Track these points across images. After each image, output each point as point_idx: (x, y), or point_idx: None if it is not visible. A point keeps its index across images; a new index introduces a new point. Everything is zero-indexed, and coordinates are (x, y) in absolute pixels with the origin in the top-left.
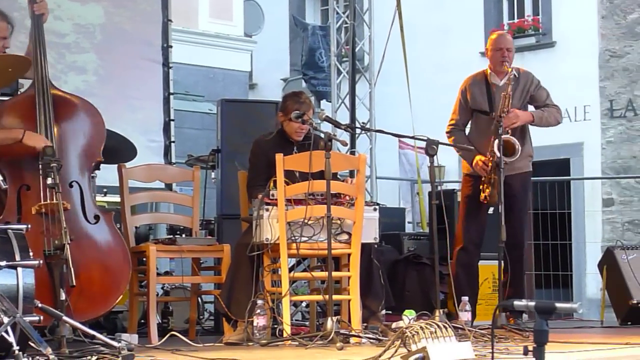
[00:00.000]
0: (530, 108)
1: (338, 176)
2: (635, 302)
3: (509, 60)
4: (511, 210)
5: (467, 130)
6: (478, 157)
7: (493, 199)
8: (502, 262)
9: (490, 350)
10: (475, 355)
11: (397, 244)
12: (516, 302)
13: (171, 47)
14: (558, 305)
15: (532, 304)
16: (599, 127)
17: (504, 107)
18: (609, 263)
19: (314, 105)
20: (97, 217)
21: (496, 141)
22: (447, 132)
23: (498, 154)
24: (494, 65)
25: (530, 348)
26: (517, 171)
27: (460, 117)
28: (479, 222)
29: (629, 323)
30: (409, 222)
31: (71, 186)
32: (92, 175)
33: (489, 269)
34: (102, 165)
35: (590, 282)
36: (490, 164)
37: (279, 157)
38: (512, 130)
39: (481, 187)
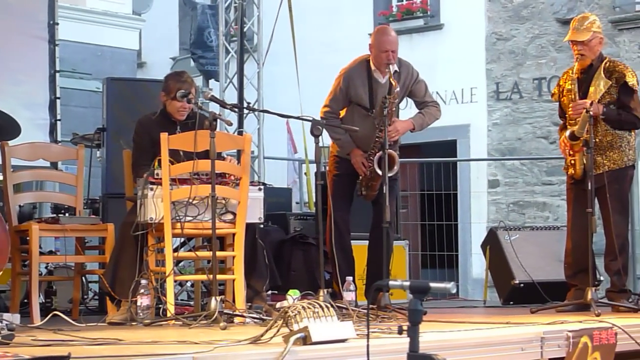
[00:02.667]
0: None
1: (223, 155)
2: (517, 282)
3: (393, 62)
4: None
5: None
6: (360, 156)
7: (369, 198)
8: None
9: (372, 330)
10: (357, 334)
11: (283, 224)
12: (391, 282)
13: (57, 24)
14: (432, 285)
15: (407, 283)
16: (485, 109)
17: (389, 119)
18: (491, 244)
19: (203, 84)
20: None
21: (377, 156)
22: (321, 118)
23: (379, 171)
24: (377, 65)
25: (405, 327)
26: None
27: (337, 104)
28: (348, 200)
29: (511, 303)
30: (296, 202)
31: None
32: None
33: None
34: None
35: (475, 262)
36: (369, 171)
37: (163, 136)
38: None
39: (357, 181)
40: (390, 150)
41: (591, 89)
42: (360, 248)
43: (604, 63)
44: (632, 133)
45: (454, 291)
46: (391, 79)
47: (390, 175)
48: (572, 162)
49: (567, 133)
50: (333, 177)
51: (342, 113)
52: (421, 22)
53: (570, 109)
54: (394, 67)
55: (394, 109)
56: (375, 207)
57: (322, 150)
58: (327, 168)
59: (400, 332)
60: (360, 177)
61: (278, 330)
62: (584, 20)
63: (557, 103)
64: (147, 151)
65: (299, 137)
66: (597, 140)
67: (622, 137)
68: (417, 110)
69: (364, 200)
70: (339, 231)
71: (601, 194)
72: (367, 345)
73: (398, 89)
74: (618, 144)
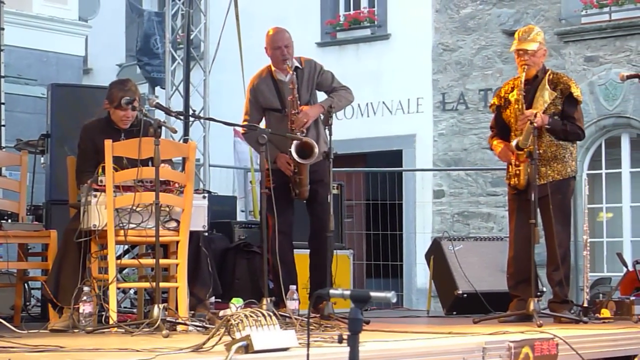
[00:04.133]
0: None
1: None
2: (460, 292)
3: (289, 57)
4: (314, 200)
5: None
6: (283, 157)
7: (302, 196)
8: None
9: (315, 339)
10: (300, 343)
11: (228, 232)
12: (332, 291)
13: (3, 29)
14: (373, 294)
15: (347, 292)
16: (431, 119)
17: (292, 109)
18: (435, 254)
19: (148, 91)
20: None
21: (293, 145)
22: (243, 133)
23: (296, 157)
24: (275, 64)
25: (345, 336)
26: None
27: (253, 116)
28: (287, 211)
29: (454, 313)
30: (241, 211)
31: None
32: None
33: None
34: None
35: (420, 272)
36: (292, 166)
37: (107, 143)
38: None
39: (290, 184)
40: (306, 138)
41: (537, 99)
42: (302, 257)
43: (547, 74)
44: (575, 144)
45: (394, 300)
46: (289, 69)
47: (311, 162)
48: (517, 172)
49: (513, 143)
50: (268, 190)
51: (263, 123)
52: (368, 31)
53: (518, 120)
54: (291, 62)
55: (296, 95)
56: (312, 216)
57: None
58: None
59: (340, 341)
60: (290, 179)
61: (220, 339)
62: (530, 31)
63: (494, 114)
64: (90, 158)
65: (245, 146)
66: (541, 151)
67: (565, 148)
68: None
69: (299, 199)
70: (280, 244)
71: (544, 204)
72: (307, 355)
73: (294, 75)
74: (562, 155)
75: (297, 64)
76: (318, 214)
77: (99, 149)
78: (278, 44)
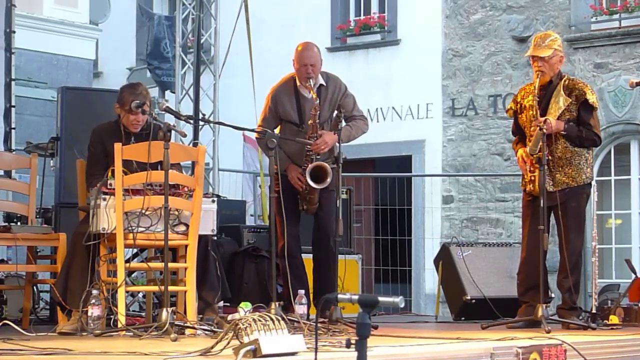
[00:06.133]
0: None
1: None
2: (468, 297)
3: (313, 76)
4: (320, 207)
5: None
6: (295, 171)
7: (310, 212)
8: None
9: (323, 343)
10: (307, 347)
11: (236, 237)
12: (340, 295)
13: (14, 32)
14: (381, 299)
15: (355, 297)
16: (441, 125)
17: (312, 131)
18: (444, 259)
19: (158, 95)
20: None
21: (309, 168)
22: (257, 139)
23: (312, 184)
24: (299, 79)
25: (353, 341)
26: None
27: (269, 124)
28: (294, 214)
29: (463, 318)
30: (250, 215)
31: None
32: None
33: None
34: None
35: (428, 278)
36: (305, 185)
37: (117, 146)
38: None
39: (298, 197)
40: (321, 162)
41: (551, 105)
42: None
43: (563, 80)
44: (590, 151)
45: (402, 305)
46: (311, 92)
47: (323, 187)
48: (532, 178)
49: (529, 149)
50: (276, 194)
51: (277, 132)
52: (378, 37)
53: (532, 126)
54: (313, 81)
55: (317, 120)
56: (315, 222)
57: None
58: (272, 186)
59: (348, 345)
60: (299, 192)
61: (228, 343)
62: (546, 37)
63: (512, 119)
64: (100, 161)
65: (254, 152)
66: (557, 157)
67: (580, 155)
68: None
69: (306, 213)
70: (290, 250)
71: (558, 211)
72: (315, 359)
73: (317, 101)
74: (577, 161)
75: (322, 80)
76: (320, 222)
77: (108, 152)
78: (304, 61)
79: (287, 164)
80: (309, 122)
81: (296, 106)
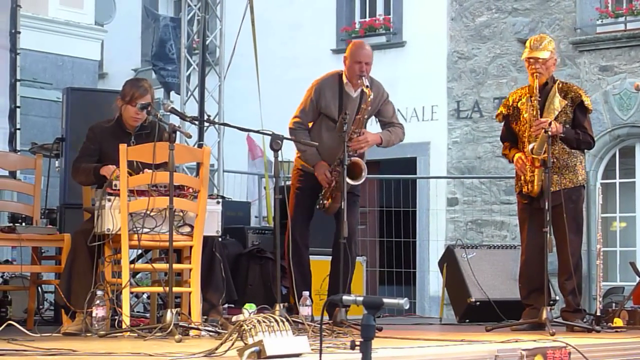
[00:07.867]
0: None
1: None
2: (473, 300)
3: (366, 75)
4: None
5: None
6: (324, 168)
7: (331, 211)
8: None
9: (327, 345)
10: (312, 349)
11: (241, 238)
12: (345, 297)
13: (19, 33)
14: (385, 301)
15: (360, 299)
16: (446, 127)
17: (356, 126)
18: (449, 261)
19: (163, 96)
20: None
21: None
22: (290, 128)
23: (350, 181)
24: (350, 76)
25: (358, 343)
26: None
27: (307, 116)
28: (308, 214)
29: (467, 320)
30: (255, 217)
31: None
32: None
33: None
34: None
35: (432, 280)
36: (335, 181)
37: (122, 147)
38: None
39: (320, 194)
40: (358, 158)
41: (548, 107)
42: (318, 263)
43: (557, 83)
44: (584, 153)
45: (407, 307)
46: (364, 88)
47: (356, 184)
48: (531, 178)
49: (530, 147)
50: (295, 190)
51: (311, 124)
52: (383, 39)
53: (533, 125)
54: (366, 81)
55: (366, 116)
56: (337, 222)
57: (282, 165)
58: (290, 181)
59: (352, 347)
60: (324, 189)
61: (233, 344)
62: (541, 40)
63: (503, 123)
64: (89, 154)
65: (259, 161)
66: (554, 159)
67: (576, 157)
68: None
69: (325, 214)
70: (297, 246)
71: (556, 212)
72: None
73: (372, 96)
74: (573, 163)
75: (367, 83)
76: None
77: (104, 152)
78: (360, 59)
79: (317, 160)
80: (357, 116)
81: (338, 102)
